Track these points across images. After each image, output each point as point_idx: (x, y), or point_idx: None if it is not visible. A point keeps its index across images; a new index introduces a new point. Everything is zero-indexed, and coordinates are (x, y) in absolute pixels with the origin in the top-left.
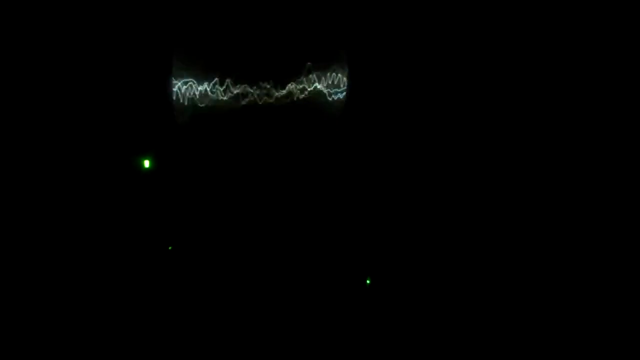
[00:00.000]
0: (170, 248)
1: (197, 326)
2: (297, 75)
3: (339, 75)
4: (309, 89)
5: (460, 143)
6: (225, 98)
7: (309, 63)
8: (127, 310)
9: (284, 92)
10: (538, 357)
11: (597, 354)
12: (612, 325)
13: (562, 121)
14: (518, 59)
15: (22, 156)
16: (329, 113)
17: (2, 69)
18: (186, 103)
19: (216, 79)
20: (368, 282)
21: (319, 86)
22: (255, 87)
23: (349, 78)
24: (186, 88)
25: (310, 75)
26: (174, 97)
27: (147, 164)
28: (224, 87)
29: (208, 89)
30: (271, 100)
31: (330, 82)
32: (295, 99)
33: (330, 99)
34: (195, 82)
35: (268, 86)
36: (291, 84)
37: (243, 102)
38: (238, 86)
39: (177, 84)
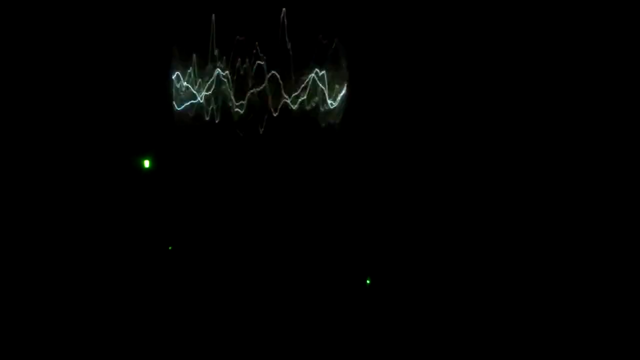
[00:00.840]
0: (170, 248)
1: (197, 326)
2: (298, 75)
3: (340, 75)
4: (309, 89)
5: (460, 145)
6: (225, 97)
7: (309, 64)
8: (127, 309)
9: (287, 93)
10: (538, 357)
11: (597, 354)
12: (612, 325)
13: (562, 121)
14: (517, 62)
15: (22, 156)
16: (330, 114)
17: (2, 69)
18: (186, 103)
19: (216, 78)
20: (368, 282)
21: (319, 86)
22: (255, 87)
23: (349, 79)
24: (186, 88)
25: (311, 76)
26: (174, 97)
27: (147, 164)
28: (224, 86)
29: (208, 89)
30: (272, 101)
31: (330, 82)
32: (295, 99)
33: (330, 100)
34: (195, 81)
35: (268, 86)
36: (294, 85)
37: (244, 102)
38: (238, 86)
39: (177, 82)
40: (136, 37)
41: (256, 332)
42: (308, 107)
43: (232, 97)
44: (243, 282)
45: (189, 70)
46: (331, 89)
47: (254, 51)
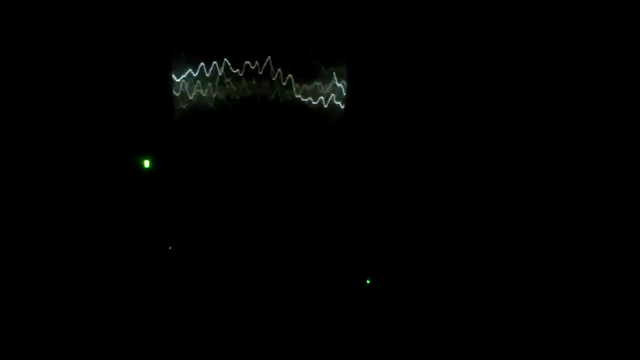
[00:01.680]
0: (170, 248)
1: (197, 326)
2: (298, 75)
3: (340, 75)
4: (310, 89)
5: (460, 144)
6: (225, 98)
7: (310, 64)
8: (127, 309)
9: (285, 92)
10: (538, 357)
11: (597, 354)
12: (612, 325)
13: (562, 121)
14: (517, 62)
15: (22, 157)
16: (330, 113)
17: (2, 69)
18: (186, 103)
19: (216, 78)
20: (368, 282)
21: (319, 86)
22: (255, 87)
23: (349, 78)
24: (186, 87)
25: (311, 76)
26: (174, 97)
27: (147, 164)
28: (224, 87)
29: (208, 88)
30: (272, 101)
31: (330, 82)
32: (296, 99)
33: (331, 99)
34: (195, 81)
35: (268, 86)
36: (292, 84)
37: (243, 102)
38: (238, 85)
39: (177, 83)
40: (137, 35)
41: (256, 331)
42: (312, 106)
43: (233, 97)
44: (243, 281)
45: (189, 70)
46: (334, 89)
47: (255, 48)
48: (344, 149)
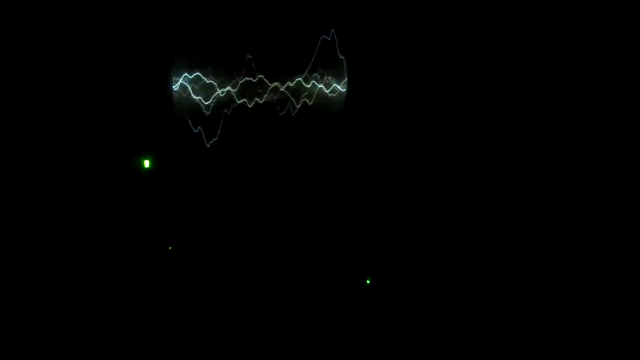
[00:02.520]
0: (170, 248)
1: (197, 326)
2: (298, 74)
3: (340, 75)
4: (309, 89)
5: (460, 143)
6: (225, 97)
7: (310, 63)
8: (127, 309)
9: (285, 91)
10: (538, 357)
11: (597, 354)
12: (612, 325)
13: (562, 121)
14: (517, 60)
15: (22, 157)
16: (330, 113)
17: (2, 69)
18: (186, 102)
19: (216, 77)
20: (368, 282)
21: (319, 86)
22: (255, 87)
23: (349, 78)
24: (186, 87)
25: (311, 75)
26: (174, 97)
27: (147, 164)
28: (224, 86)
29: (208, 88)
30: (272, 100)
31: (330, 82)
32: (296, 98)
33: (330, 99)
34: (195, 80)
35: (269, 85)
36: (292, 84)
37: (243, 102)
38: (239, 86)
39: (177, 82)
40: (137, 36)
41: (256, 331)
42: (310, 103)
43: (233, 96)
44: (243, 281)
45: (189, 69)
46: (332, 85)
47: (255, 48)
48: (344, 149)
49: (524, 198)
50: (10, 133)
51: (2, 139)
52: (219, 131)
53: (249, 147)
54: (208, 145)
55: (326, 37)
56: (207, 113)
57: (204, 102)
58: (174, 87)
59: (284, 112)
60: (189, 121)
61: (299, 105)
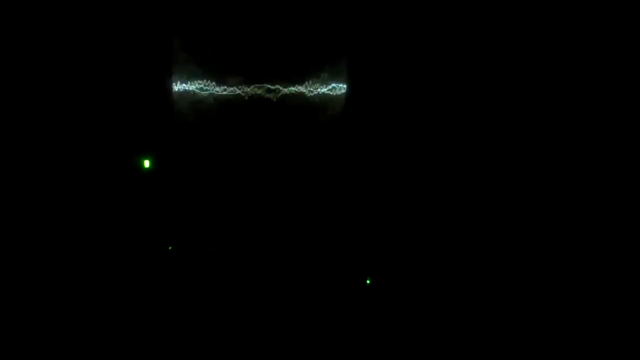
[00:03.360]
0: (170, 248)
1: (197, 326)
2: (298, 74)
3: (340, 75)
4: (309, 88)
5: (460, 143)
6: (224, 96)
7: (310, 62)
8: (127, 309)
9: (285, 91)
10: (538, 357)
11: (597, 354)
12: (612, 325)
13: (562, 121)
14: (517, 61)
15: (22, 157)
16: (329, 113)
17: (2, 69)
18: (186, 102)
19: (216, 77)
20: (368, 282)
21: (318, 85)
22: (255, 86)
23: (349, 78)
24: (186, 87)
25: (312, 75)
26: (174, 97)
27: (147, 164)
28: (224, 86)
29: (208, 88)
30: (271, 99)
31: (330, 82)
32: (295, 98)
33: (330, 99)
34: (195, 81)
35: (268, 85)
36: (292, 83)
37: (243, 102)
38: (238, 85)
39: (177, 82)
40: (136, 34)
41: (256, 331)
42: (309, 103)
43: (234, 97)
44: (243, 281)
45: (189, 69)
46: (332, 85)
47: (255, 47)
48: (344, 149)
49: (524, 199)
50: (10, 133)
51: (2, 139)
52: (219, 131)
53: (249, 147)
54: (208, 145)
55: (326, 38)
56: (208, 113)
57: (204, 102)
58: (174, 87)
59: (284, 112)
60: (189, 121)
61: (299, 106)
